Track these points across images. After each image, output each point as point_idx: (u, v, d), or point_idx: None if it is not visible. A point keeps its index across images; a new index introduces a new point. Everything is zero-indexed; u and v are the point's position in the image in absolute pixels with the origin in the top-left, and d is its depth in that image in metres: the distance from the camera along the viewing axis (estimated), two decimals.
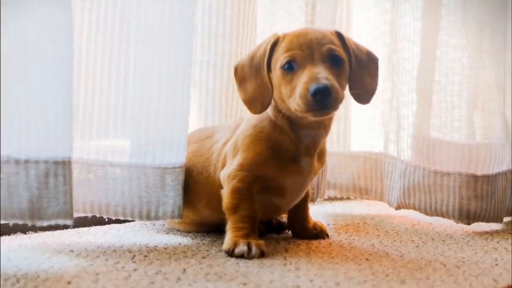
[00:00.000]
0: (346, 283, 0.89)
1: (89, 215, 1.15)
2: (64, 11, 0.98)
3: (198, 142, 1.21)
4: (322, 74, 0.99)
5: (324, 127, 1.11)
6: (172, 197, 1.14)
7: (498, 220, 1.39)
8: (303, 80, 1.00)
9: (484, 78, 1.42)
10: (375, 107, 1.58)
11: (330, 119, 1.12)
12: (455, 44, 1.40)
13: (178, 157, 1.14)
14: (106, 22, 1.13)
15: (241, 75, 1.10)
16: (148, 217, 1.14)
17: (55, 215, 0.98)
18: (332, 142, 1.56)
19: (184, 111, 1.14)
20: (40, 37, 0.97)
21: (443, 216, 1.38)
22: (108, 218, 1.17)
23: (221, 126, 1.24)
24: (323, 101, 0.97)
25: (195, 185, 1.17)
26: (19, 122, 0.96)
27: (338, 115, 1.56)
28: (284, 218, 1.28)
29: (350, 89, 1.09)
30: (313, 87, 0.97)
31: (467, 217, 1.36)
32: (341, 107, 1.54)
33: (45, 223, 0.98)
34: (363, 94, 1.11)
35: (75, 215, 1.20)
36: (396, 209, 1.45)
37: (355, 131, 1.62)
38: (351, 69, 1.08)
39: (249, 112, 1.10)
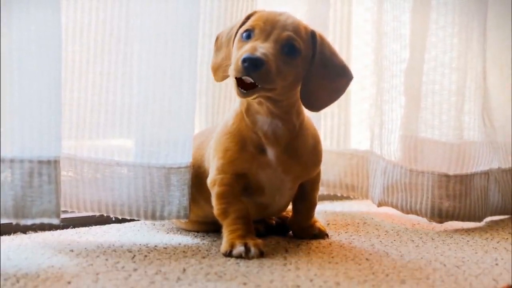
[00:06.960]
0: (346, 283, 0.89)
1: (97, 214, 1.16)
2: (53, 11, 0.98)
3: (203, 137, 1.21)
4: (262, 49, 0.98)
5: (277, 117, 1.07)
6: (177, 197, 1.14)
7: (477, 219, 1.39)
8: (244, 49, 1.00)
9: (467, 77, 1.42)
10: (363, 100, 1.57)
11: (285, 111, 1.07)
12: (445, 43, 1.41)
13: (184, 157, 1.14)
14: (112, 22, 1.13)
15: (219, 43, 1.13)
16: (153, 217, 1.14)
17: (40, 214, 0.98)
18: (326, 140, 1.55)
19: (190, 111, 1.14)
20: (26, 36, 0.96)
21: (417, 214, 1.39)
22: (107, 217, 1.18)
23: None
24: (249, 70, 0.97)
25: (196, 179, 1.16)
26: (5, 121, 0.96)
27: (331, 111, 1.55)
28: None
29: (301, 88, 1.07)
30: (245, 54, 0.97)
31: (439, 216, 1.37)
32: (335, 105, 1.53)
33: (29, 222, 0.98)
34: (311, 100, 1.07)
35: (82, 214, 1.22)
36: (378, 206, 1.46)
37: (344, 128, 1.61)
38: (311, 70, 1.05)
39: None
